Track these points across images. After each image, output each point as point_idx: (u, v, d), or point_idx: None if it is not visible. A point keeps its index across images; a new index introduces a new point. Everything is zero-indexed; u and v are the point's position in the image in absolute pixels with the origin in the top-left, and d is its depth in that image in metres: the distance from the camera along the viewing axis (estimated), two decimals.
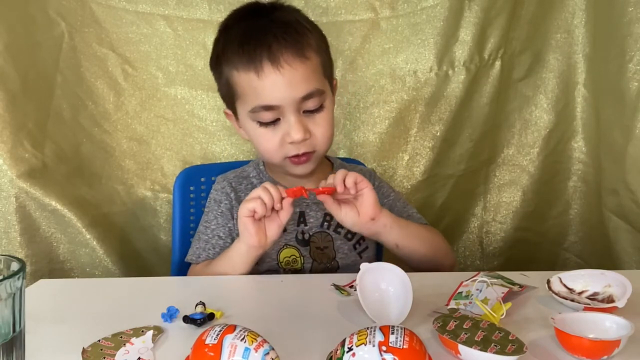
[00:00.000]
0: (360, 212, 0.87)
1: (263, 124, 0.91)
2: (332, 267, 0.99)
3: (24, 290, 0.53)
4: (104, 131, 1.29)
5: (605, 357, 0.59)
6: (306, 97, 0.89)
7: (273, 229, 0.87)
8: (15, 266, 0.53)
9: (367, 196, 0.86)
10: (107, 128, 1.29)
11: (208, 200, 1.04)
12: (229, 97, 0.96)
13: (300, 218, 1.00)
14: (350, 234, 1.00)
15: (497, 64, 1.32)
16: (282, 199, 0.85)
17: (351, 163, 1.15)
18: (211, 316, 0.70)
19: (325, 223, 1.00)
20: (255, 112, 0.90)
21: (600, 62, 1.27)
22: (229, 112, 0.99)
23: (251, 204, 0.84)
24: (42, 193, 1.16)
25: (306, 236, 0.99)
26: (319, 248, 0.99)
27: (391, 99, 1.33)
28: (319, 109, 0.92)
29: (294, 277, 0.89)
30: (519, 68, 1.35)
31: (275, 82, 0.87)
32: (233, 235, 0.98)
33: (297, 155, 0.92)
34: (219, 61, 0.94)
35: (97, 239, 1.22)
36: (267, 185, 0.86)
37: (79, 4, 1.22)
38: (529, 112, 1.38)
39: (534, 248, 1.45)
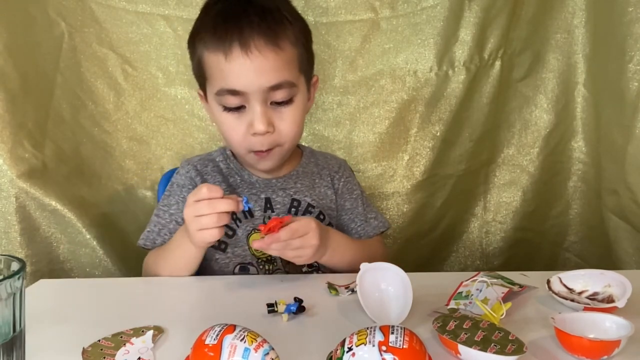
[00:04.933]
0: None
1: (227, 108, 0.89)
2: None
3: (24, 290, 0.53)
4: (104, 131, 1.28)
5: (605, 357, 0.59)
6: (274, 88, 0.87)
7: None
8: (15, 266, 0.53)
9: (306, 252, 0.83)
10: (107, 128, 1.29)
11: (170, 183, 1.02)
12: (200, 77, 0.94)
13: (266, 204, 0.98)
14: (318, 220, 0.97)
15: (497, 64, 1.32)
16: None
17: (324, 154, 1.14)
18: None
19: (293, 209, 0.99)
20: (221, 95, 0.88)
21: (600, 62, 1.27)
22: (201, 93, 0.97)
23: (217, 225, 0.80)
24: (42, 193, 1.16)
25: None
26: None
27: (391, 99, 1.33)
28: (288, 102, 0.89)
29: (294, 277, 0.90)
30: (519, 68, 1.35)
31: (243, 67, 0.85)
32: None
33: (261, 151, 0.91)
34: (193, 39, 0.92)
35: (97, 239, 1.22)
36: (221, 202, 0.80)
37: (79, 4, 1.22)
38: (529, 112, 1.38)
39: (534, 248, 1.45)
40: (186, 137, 1.32)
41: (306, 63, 0.93)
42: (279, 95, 0.88)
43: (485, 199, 1.43)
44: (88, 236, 1.21)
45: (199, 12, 0.95)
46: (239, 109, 0.89)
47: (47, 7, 1.20)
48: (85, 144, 1.27)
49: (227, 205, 0.79)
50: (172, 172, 1.15)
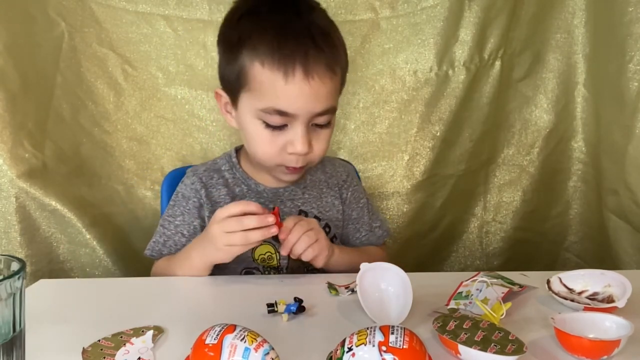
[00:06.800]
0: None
1: (269, 126, 0.86)
2: (308, 263, 0.96)
3: (24, 290, 0.53)
4: (104, 131, 1.29)
5: (605, 357, 0.59)
6: (322, 113, 0.86)
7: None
8: (15, 266, 0.53)
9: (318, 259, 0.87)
10: (107, 128, 1.29)
11: (175, 193, 1.00)
12: (234, 83, 0.88)
13: None
14: (324, 230, 0.98)
15: (497, 64, 1.32)
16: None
17: (332, 160, 1.12)
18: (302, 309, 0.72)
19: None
20: (267, 113, 0.85)
21: (600, 62, 1.27)
22: (222, 93, 0.93)
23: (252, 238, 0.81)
24: (42, 193, 1.16)
25: None
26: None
27: (391, 99, 1.33)
28: (326, 125, 0.89)
29: (293, 277, 0.89)
30: (519, 68, 1.35)
31: (301, 92, 0.82)
32: (197, 234, 0.95)
33: (294, 167, 0.91)
34: (239, 44, 0.85)
35: (97, 239, 1.22)
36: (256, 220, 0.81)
37: (79, 4, 1.22)
38: (529, 112, 1.38)
39: (534, 248, 1.45)
40: (186, 137, 1.32)
41: (344, 81, 0.93)
42: (322, 119, 0.87)
43: (485, 199, 1.44)
44: (88, 236, 1.21)
45: (240, 10, 0.88)
46: (281, 127, 0.86)
47: (47, 7, 1.20)
48: (85, 144, 1.27)
49: (254, 221, 0.80)
50: (174, 173, 1.15)
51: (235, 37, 0.86)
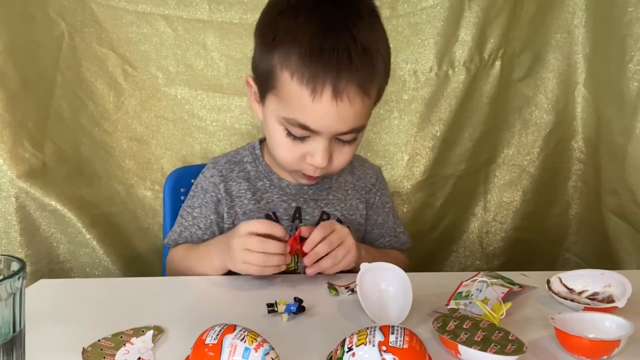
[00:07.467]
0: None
1: (291, 134, 0.84)
2: None
3: (24, 290, 0.53)
4: (104, 131, 1.29)
5: (605, 357, 0.59)
6: (346, 132, 0.83)
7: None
8: (15, 266, 0.53)
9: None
10: (107, 128, 1.29)
11: (195, 184, 0.99)
12: (264, 81, 0.84)
13: (295, 214, 0.95)
14: None
15: (497, 64, 1.32)
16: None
17: (360, 160, 1.10)
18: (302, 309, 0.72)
19: (323, 221, 0.96)
20: (290, 124, 0.82)
21: (600, 62, 1.27)
22: (252, 83, 0.89)
23: (270, 264, 0.81)
24: (42, 193, 1.16)
25: None
26: None
27: (391, 99, 1.33)
28: (351, 141, 0.86)
29: (293, 277, 0.89)
30: (519, 68, 1.35)
31: (327, 112, 0.79)
32: (213, 228, 0.95)
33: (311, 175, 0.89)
34: (273, 45, 0.80)
35: (97, 239, 1.22)
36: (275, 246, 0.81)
37: (79, 4, 1.22)
38: (529, 112, 1.38)
39: (534, 248, 1.45)
40: (186, 137, 1.32)
41: (382, 95, 0.88)
42: (347, 137, 0.84)
43: (485, 199, 1.44)
44: (88, 236, 1.21)
45: (281, 9, 0.82)
46: (302, 138, 0.84)
47: (47, 7, 1.20)
48: (85, 144, 1.27)
49: (276, 247, 0.80)
50: (175, 173, 1.15)
51: (271, 36, 0.82)
